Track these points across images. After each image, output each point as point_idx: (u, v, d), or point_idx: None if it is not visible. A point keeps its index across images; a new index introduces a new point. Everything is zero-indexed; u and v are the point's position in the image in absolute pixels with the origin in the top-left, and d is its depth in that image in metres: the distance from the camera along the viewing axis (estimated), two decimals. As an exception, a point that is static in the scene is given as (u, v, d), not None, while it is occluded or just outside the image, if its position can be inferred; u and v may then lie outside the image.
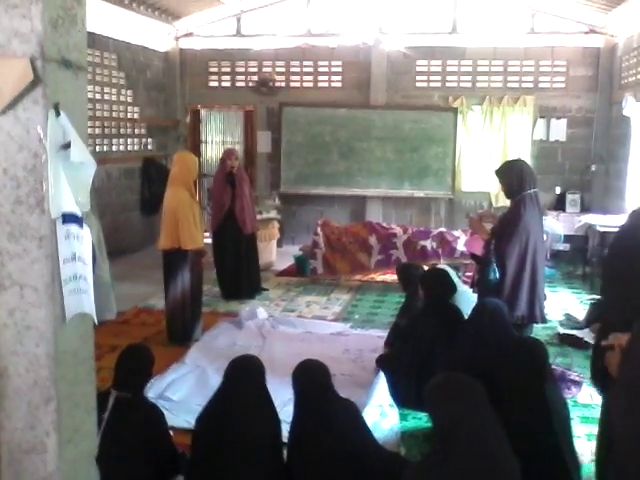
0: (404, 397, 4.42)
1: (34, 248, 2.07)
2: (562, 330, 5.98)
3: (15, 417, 2.11)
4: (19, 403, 2.10)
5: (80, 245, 2.19)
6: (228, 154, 7.19)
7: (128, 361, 3.18)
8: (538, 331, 5.44)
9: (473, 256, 5.41)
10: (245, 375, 3.05)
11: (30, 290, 2.08)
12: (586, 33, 9.56)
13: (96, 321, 2.30)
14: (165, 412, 3.37)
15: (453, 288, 4.70)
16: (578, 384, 4.63)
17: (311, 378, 3.09)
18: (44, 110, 2.02)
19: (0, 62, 2.00)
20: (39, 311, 2.08)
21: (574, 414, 3.93)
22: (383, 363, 4.84)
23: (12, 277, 2.07)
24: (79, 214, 2.18)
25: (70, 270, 2.15)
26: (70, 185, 2.14)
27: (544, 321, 4.81)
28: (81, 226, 2.20)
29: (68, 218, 2.13)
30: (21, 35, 1.99)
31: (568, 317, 6.39)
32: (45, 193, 2.04)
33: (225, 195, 7.01)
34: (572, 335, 5.72)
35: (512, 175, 4.59)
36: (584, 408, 4.35)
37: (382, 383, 4.52)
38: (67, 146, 2.09)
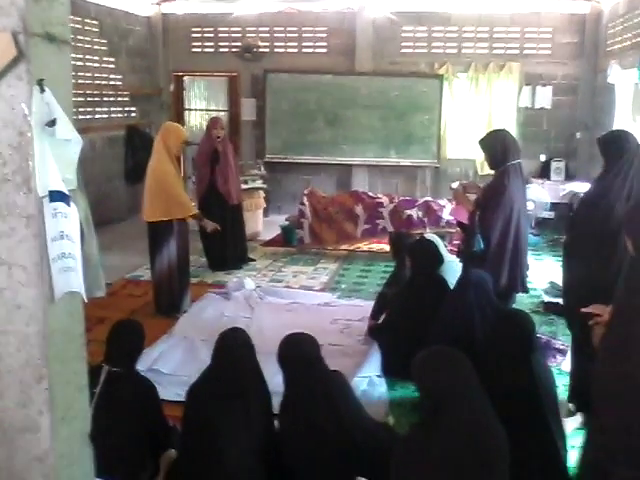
0: (392, 367, 4.47)
1: (22, 227, 2.04)
2: (547, 298, 6.05)
3: (7, 396, 2.11)
4: (11, 382, 2.10)
5: (68, 223, 2.17)
6: (213, 123, 7.09)
7: (119, 336, 3.18)
8: (523, 299, 5.50)
9: (459, 224, 5.42)
10: (235, 348, 3.07)
11: (19, 269, 2.05)
12: (572, -1, 9.50)
13: (85, 299, 2.29)
14: (155, 385, 3.38)
15: (440, 259, 4.73)
16: (562, 352, 4.71)
17: (299, 352, 3.11)
18: (28, 86, 1.97)
19: (-19, 37, 1.95)
20: (28, 290, 2.06)
21: (559, 382, 3.98)
22: (375, 333, 4.89)
23: (0, 257, 2.05)
24: (66, 192, 2.15)
25: (58, 248, 2.13)
26: (56, 162, 2.10)
27: (525, 291, 4.85)
28: (68, 204, 2.17)
29: (55, 196, 2.10)
30: (1, 8, 1.93)
31: (552, 285, 6.44)
32: (31, 171, 2.01)
33: (207, 166, 6.97)
34: (556, 303, 5.78)
35: (496, 146, 4.56)
36: (568, 376, 4.41)
37: (372, 354, 4.58)
38: (52, 123, 2.05)
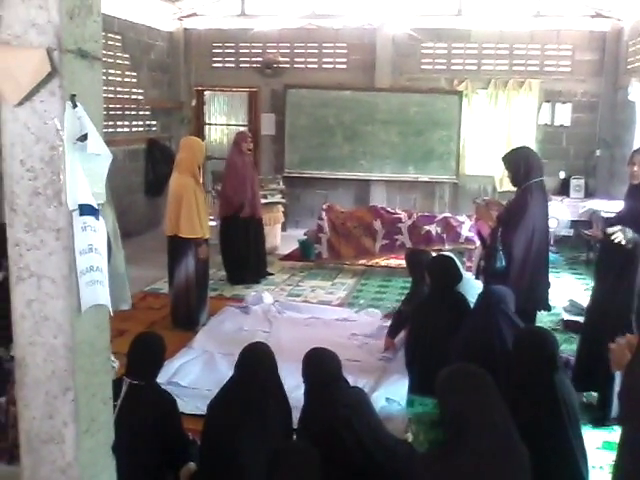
0: (410, 383, 4.46)
1: (51, 240, 2.07)
2: (566, 316, 6.00)
3: (33, 407, 2.13)
4: (37, 393, 2.12)
5: (96, 236, 2.20)
6: (243, 137, 7.12)
7: (140, 349, 3.20)
8: (543, 318, 5.47)
9: (481, 239, 5.39)
10: (257, 363, 3.08)
11: (48, 281, 2.08)
12: (592, 17, 9.47)
13: (111, 312, 2.31)
14: (175, 398, 3.39)
15: (460, 276, 4.72)
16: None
17: (322, 367, 3.11)
18: (61, 101, 2.01)
19: (17, 53, 1.99)
20: (57, 302, 2.09)
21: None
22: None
23: (30, 268, 2.08)
24: (95, 205, 2.18)
25: (86, 262, 2.16)
26: (87, 176, 2.14)
27: (548, 309, 4.82)
28: (97, 218, 2.20)
29: (85, 210, 2.14)
30: (38, 26, 1.97)
31: (572, 303, 6.39)
32: (62, 185, 2.04)
33: (247, 180, 6.94)
34: (576, 321, 5.74)
35: (519, 163, 4.56)
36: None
37: (392, 375, 4.58)
38: (84, 138, 2.09)
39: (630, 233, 3.77)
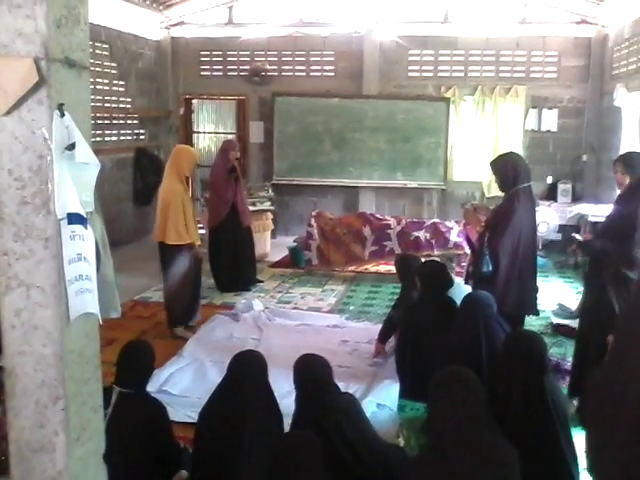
0: (401, 388, 4.47)
1: (40, 249, 2.08)
2: (555, 320, 6.04)
3: (23, 416, 2.13)
4: (27, 402, 2.12)
5: (85, 245, 2.20)
6: (230, 146, 7.11)
7: (129, 357, 3.19)
8: (532, 321, 5.48)
9: (470, 243, 5.41)
10: (248, 370, 3.08)
11: (37, 290, 2.08)
12: (578, 23, 9.56)
13: (100, 321, 2.31)
14: (166, 406, 3.39)
15: (451, 281, 4.74)
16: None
17: (312, 373, 3.12)
18: (49, 111, 2.02)
19: (4, 62, 2.00)
20: (46, 311, 2.09)
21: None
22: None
23: (19, 277, 2.08)
24: (84, 214, 2.19)
25: (75, 270, 2.16)
26: (75, 185, 2.14)
27: (536, 313, 4.85)
28: (85, 226, 2.21)
29: (73, 218, 2.14)
30: (25, 35, 1.98)
31: (561, 307, 6.44)
32: (51, 194, 2.05)
33: (230, 189, 6.94)
34: (565, 325, 5.78)
35: (507, 168, 4.58)
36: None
37: (382, 380, 4.59)
38: (72, 147, 2.10)
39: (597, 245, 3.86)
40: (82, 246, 2.18)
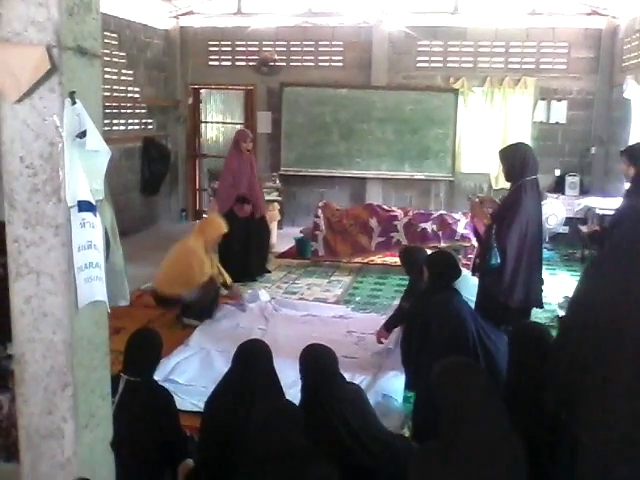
0: (406, 380, 4.48)
1: (50, 236, 2.09)
2: (561, 313, 6.02)
3: (32, 403, 2.14)
4: (36, 389, 2.13)
5: (95, 233, 2.21)
6: (243, 136, 7.08)
7: (137, 345, 3.20)
8: (538, 314, 5.48)
9: (477, 235, 5.40)
10: (253, 359, 3.09)
11: (47, 277, 2.10)
12: (588, 14, 9.50)
13: (109, 308, 2.32)
14: (172, 395, 3.40)
15: (459, 271, 4.72)
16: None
17: (318, 363, 3.13)
18: (60, 98, 2.03)
19: (17, 50, 2.01)
20: (55, 298, 2.10)
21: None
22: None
23: (29, 265, 2.09)
24: (93, 202, 2.19)
25: (84, 258, 2.17)
26: (85, 173, 2.15)
27: (540, 306, 4.84)
28: (95, 214, 2.22)
29: (83, 206, 2.15)
30: (37, 23, 1.99)
31: (567, 300, 6.42)
32: (61, 181, 2.05)
33: (245, 179, 6.94)
34: (572, 318, 5.76)
35: (515, 158, 4.56)
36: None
37: (387, 371, 4.60)
38: (83, 134, 2.11)
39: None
40: (92, 234, 2.19)
